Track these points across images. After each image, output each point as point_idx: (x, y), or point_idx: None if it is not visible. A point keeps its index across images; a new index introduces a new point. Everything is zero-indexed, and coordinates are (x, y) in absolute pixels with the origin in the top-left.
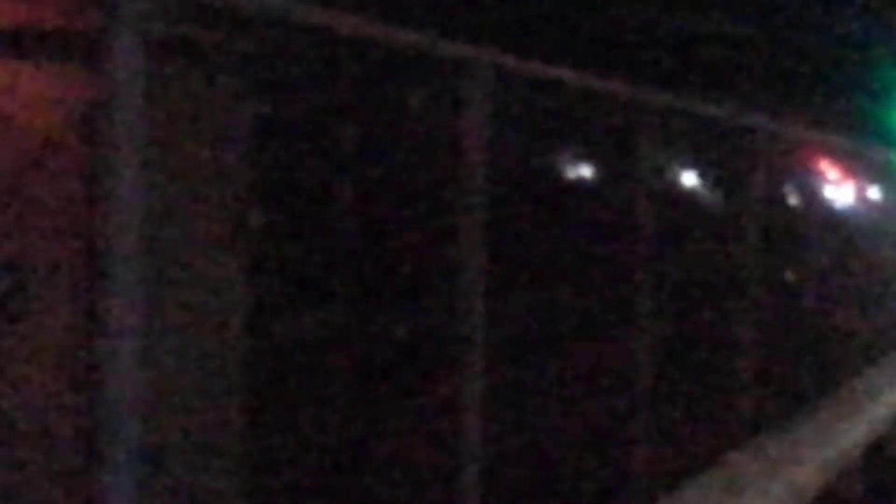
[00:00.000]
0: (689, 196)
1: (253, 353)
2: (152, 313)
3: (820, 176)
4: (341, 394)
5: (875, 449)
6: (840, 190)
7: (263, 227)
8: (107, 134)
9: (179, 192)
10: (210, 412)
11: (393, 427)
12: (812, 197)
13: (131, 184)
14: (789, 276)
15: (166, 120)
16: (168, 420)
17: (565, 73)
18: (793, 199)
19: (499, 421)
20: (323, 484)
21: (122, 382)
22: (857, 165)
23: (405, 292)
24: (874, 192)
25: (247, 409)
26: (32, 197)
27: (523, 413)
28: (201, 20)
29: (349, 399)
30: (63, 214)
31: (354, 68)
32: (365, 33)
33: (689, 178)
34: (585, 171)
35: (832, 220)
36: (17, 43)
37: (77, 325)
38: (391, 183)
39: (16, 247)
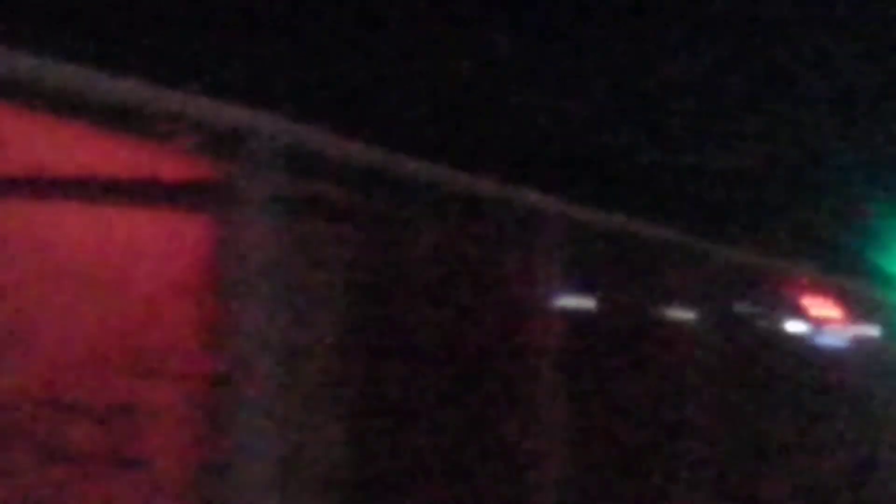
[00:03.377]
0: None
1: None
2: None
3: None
4: None
5: None
6: (835, 328)
7: (362, 373)
8: (233, 280)
9: (292, 342)
10: None
11: None
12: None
13: (256, 332)
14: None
15: (282, 267)
16: None
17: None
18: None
19: None
20: None
21: None
22: (853, 304)
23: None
24: (869, 331)
25: None
26: (152, 341)
27: None
28: (314, 172)
29: None
30: (181, 361)
31: (445, 216)
32: (458, 185)
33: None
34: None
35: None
36: (141, 193)
37: (190, 470)
38: (475, 321)
39: (135, 392)
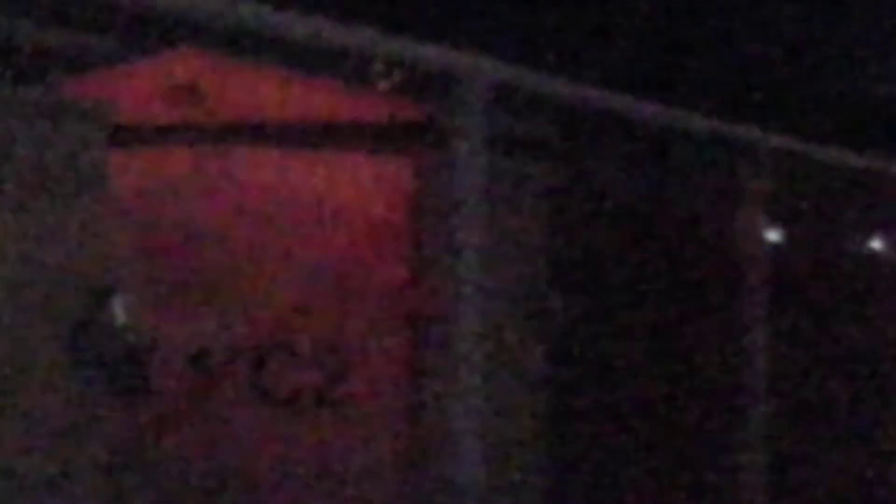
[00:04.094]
0: None
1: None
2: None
3: None
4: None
5: None
6: None
7: (560, 308)
8: (450, 221)
9: (493, 275)
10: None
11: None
12: None
13: (466, 269)
14: None
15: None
16: None
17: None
18: None
19: None
20: None
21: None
22: None
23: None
24: None
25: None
26: (364, 283)
27: None
28: (524, 112)
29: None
30: (392, 300)
31: (656, 153)
32: (659, 118)
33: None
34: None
35: None
36: (353, 135)
37: (398, 411)
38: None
39: (345, 332)
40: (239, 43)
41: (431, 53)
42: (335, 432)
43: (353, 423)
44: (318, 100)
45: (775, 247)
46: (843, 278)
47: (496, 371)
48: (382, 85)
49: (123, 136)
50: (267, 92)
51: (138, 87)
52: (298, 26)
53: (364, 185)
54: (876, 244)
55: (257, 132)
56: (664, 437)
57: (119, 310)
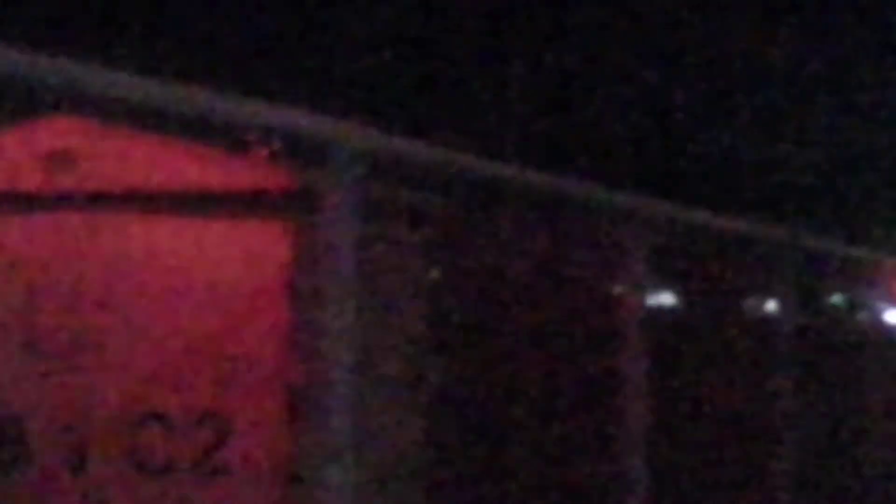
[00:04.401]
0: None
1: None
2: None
3: None
4: None
5: None
6: None
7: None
8: (319, 289)
9: (373, 344)
10: None
11: None
12: None
13: (340, 336)
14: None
15: (366, 275)
16: None
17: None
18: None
19: None
20: None
21: None
22: None
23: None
24: None
25: None
26: (239, 351)
27: None
28: (396, 178)
29: None
30: (264, 368)
31: (529, 217)
32: (540, 185)
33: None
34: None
35: None
36: (224, 203)
37: (274, 480)
38: (559, 320)
39: (218, 400)
40: (113, 110)
41: (307, 121)
42: (211, 501)
43: (229, 491)
44: (193, 167)
45: (658, 309)
46: (721, 340)
47: (372, 439)
48: (257, 152)
49: None
50: (141, 158)
51: (9, 154)
52: (173, 93)
53: (238, 253)
54: (761, 305)
55: (129, 199)
56: None
57: None
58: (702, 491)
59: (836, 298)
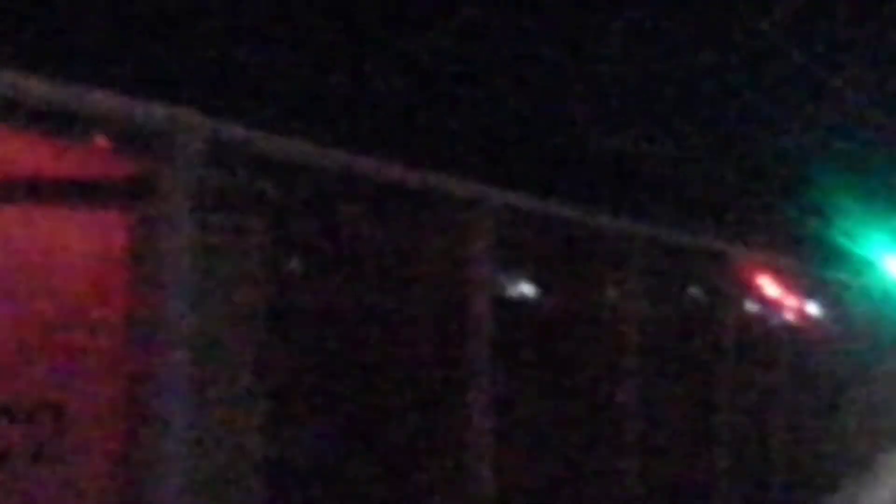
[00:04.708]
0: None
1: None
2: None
3: (776, 295)
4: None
5: None
6: (793, 308)
7: (282, 367)
8: (153, 279)
9: (212, 334)
10: None
11: None
12: (768, 314)
13: (176, 325)
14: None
15: (206, 264)
16: None
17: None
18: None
19: None
20: None
21: None
22: (809, 284)
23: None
24: (819, 309)
25: None
26: (79, 339)
27: None
28: (237, 167)
29: None
30: (103, 357)
31: (369, 207)
32: (382, 174)
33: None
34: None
35: (785, 336)
36: (62, 192)
37: (115, 468)
38: (405, 315)
39: (56, 390)
40: None
41: (146, 109)
42: (49, 489)
43: (66, 480)
44: (28, 155)
45: (507, 300)
46: (571, 332)
47: (212, 429)
48: (95, 141)
49: None
50: None
51: None
52: (6, 80)
53: (76, 242)
54: (615, 296)
55: None
56: None
57: None
58: (551, 487)
59: (694, 291)
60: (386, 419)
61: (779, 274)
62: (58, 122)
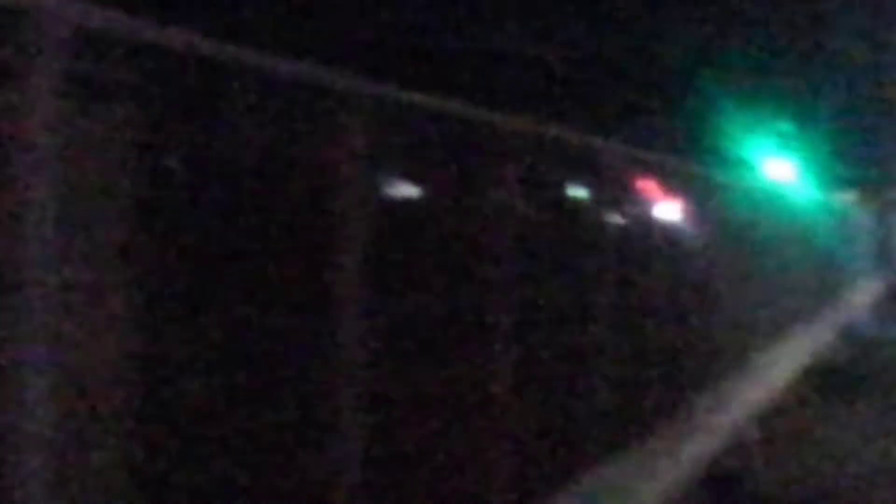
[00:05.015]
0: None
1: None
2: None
3: (646, 194)
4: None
5: (715, 464)
6: (662, 206)
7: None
8: (13, 167)
9: (75, 223)
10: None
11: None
12: (640, 213)
13: (40, 210)
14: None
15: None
16: None
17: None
18: (620, 216)
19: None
20: None
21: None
22: (679, 183)
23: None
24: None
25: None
26: None
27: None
28: (105, 53)
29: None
30: None
31: (238, 97)
32: (250, 63)
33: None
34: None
35: (657, 234)
36: None
37: None
38: (269, 201)
39: None
40: None
41: None
42: None
43: None
44: None
45: (379, 200)
46: (444, 233)
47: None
48: None
49: None
50: None
51: None
52: None
53: None
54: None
55: None
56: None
57: None
58: (422, 393)
59: (573, 190)
60: (249, 321)
61: (658, 174)
62: None
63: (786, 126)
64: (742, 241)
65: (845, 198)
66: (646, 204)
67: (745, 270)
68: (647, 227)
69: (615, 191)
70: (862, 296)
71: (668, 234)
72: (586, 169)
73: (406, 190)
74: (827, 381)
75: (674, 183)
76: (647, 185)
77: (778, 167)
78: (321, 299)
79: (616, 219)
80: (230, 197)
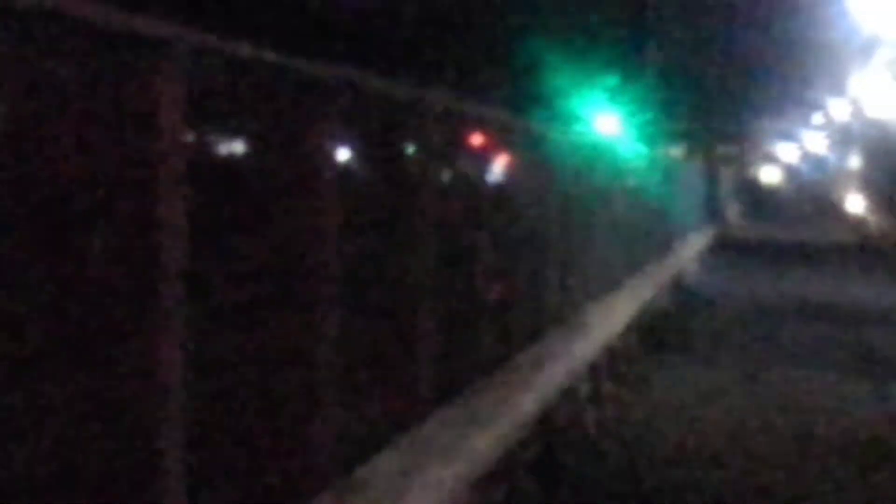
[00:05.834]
0: (361, 174)
1: None
2: None
3: (471, 147)
4: None
5: (546, 418)
6: (490, 160)
7: None
8: None
9: None
10: None
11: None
12: (469, 167)
13: None
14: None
15: None
16: None
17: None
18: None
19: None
20: None
21: None
22: (505, 137)
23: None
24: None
25: None
26: None
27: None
28: None
29: None
30: None
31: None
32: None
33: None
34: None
35: (487, 188)
36: None
37: None
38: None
39: None
40: None
41: None
42: None
43: None
44: None
45: (205, 154)
46: (270, 189)
47: None
48: None
49: None
50: None
51: None
52: None
53: None
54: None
55: None
56: None
57: None
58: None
59: (400, 145)
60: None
61: (488, 128)
62: None
63: (614, 81)
64: (572, 197)
65: (674, 152)
66: (476, 158)
67: (577, 224)
68: (477, 181)
69: (443, 145)
70: (690, 248)
71: (498, 188)
72: (413, 122)
73: (222, 141)
74: (655, 331)
75: (504, 137)
76: (477, 140)
77: (608, 122)
78: (142, 252)
79: (445, 173)
80: (42, 156)
